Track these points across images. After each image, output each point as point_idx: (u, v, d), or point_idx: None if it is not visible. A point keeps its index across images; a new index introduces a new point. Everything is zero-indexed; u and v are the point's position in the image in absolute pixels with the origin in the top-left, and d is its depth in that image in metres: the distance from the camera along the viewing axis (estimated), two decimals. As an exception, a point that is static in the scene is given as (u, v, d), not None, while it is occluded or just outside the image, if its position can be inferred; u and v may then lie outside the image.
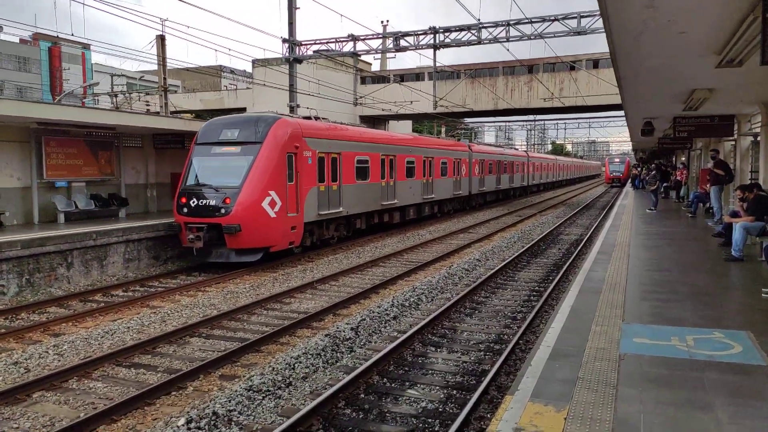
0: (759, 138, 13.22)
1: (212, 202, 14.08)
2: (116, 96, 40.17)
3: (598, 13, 5.92)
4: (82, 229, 13.65)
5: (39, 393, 6.86)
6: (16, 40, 59.71)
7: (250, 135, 14.78)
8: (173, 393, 6.85)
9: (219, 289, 12.40)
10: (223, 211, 13.90)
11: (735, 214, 10.85)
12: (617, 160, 69.03)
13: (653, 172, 23.83)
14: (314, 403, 6.02)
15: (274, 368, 7.25)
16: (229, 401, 6.28)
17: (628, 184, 44.23)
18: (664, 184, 22.61)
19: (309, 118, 17.73)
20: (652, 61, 8.05)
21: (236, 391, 6.56)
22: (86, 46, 58.63)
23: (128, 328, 9.41)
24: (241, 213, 13.84)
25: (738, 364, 4.95)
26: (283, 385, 6.84)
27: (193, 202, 14.26)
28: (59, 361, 7.95)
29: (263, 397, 6.49)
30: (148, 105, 43.01)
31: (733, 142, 18.02)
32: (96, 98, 45.37)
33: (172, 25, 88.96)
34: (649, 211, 19.25)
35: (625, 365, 4.95)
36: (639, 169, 41.43)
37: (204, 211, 14.10)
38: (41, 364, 7.80)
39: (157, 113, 29.67)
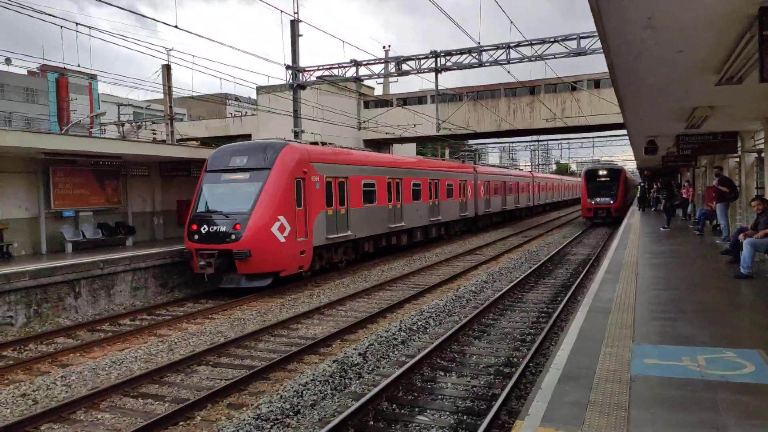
0: (763, 154, 13.21)
1: (223, 228, 14.16)
2: (123, 125, 40.63)
3: (597, 34, 5.97)
4: (89, 259, 13.71)
5: (47, 425, 6.82)
6: (24, 72, 60.73)
7: (259, 161, 14.94)
8: (181, 423, 6.81)
9: (226, 316, 12.38)
10: (233, 236, 13.97)
11: (742, 230, 10.77)
12: (602, 173, 36.13)
13: (664, 191, 23.75)
14: (323, 431, 5.96)
15: (282, 396, 7.21)
16: (238, 431, 6.23)
17: (635, 204, 35.06)
18: (671, 202, 22.54)
19: (316, 143, 17.92)
20: (652, 80, 8.10)
21: (244, 420, 6.51)
22: (93, 77, 59.47)
23: (136, 357, 9.39)
24: (251, 238, 13.91)
25: (751, 384, 4.88)
26: (291, 413, 6.78)
27: (204, 229, 14.34)
28: (67, 392, 7.93)
29: (271, 425, 6.44)
30: (154, 133, 43.44)
31: (738, 159, 17.99)
32: (103, 128, 45.89)
33: (177, 55, 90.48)
34: (663, 229, 19.22)
35: (637, 387, 4.89)
36: (649, 184, 36.72)
37: (215, 238, 14.18)
38: (49, 396, 7.78)
39: (163, 141, 29.94)
